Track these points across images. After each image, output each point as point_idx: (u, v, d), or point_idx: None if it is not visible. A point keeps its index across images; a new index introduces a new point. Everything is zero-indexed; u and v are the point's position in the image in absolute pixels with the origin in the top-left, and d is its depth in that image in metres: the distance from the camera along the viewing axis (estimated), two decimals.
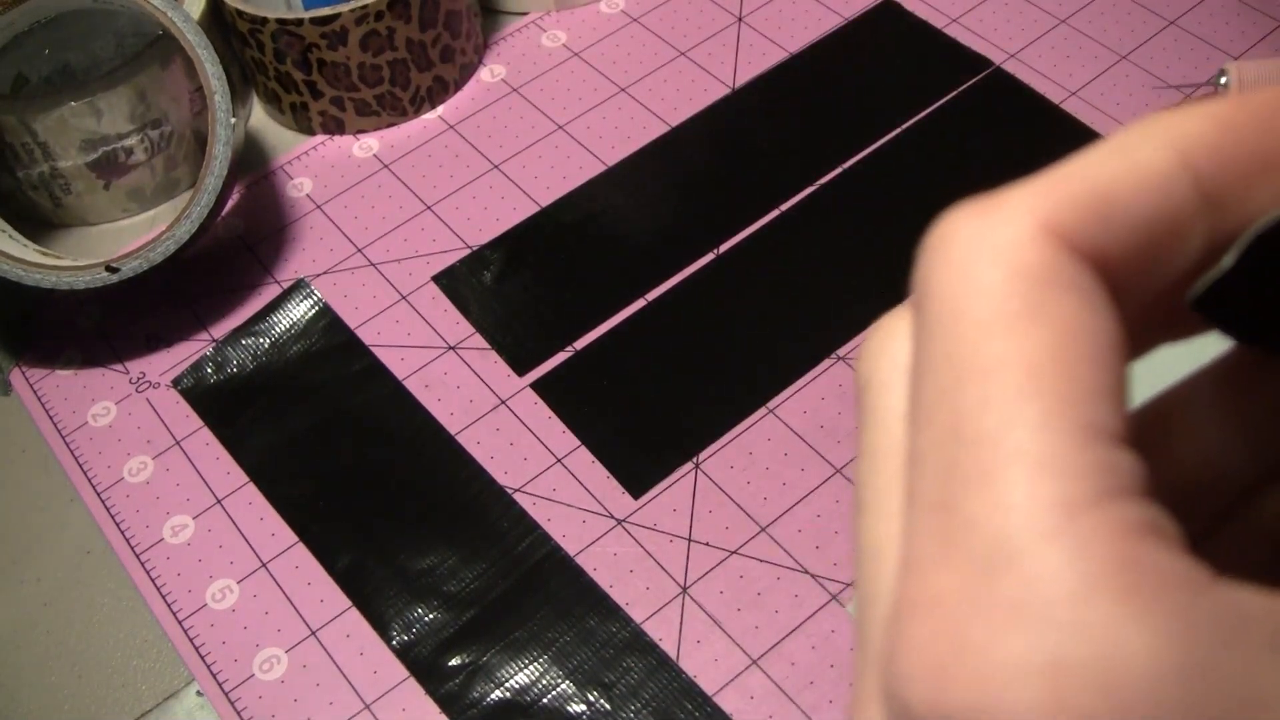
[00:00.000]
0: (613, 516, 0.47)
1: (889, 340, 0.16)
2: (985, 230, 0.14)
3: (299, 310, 0.54)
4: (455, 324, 0.53)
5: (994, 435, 0.13)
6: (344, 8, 0.56)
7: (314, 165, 0.60)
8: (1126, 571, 0.12)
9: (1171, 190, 0.14)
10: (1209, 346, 0.17)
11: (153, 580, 0.47)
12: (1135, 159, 0.14)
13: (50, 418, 0.52)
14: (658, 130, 0.59)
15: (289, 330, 0.54)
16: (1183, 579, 0.13)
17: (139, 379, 0.53)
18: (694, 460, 0.48)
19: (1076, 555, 0.12)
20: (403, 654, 0.44)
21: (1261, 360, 0.17)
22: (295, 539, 0.48)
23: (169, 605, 0.46)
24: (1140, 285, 0.15)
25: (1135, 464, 0.13)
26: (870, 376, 0.16)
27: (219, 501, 0.49)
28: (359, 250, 0.56)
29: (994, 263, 0.14)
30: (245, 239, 0.57)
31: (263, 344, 0.53)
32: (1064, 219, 0.14)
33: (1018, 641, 0.12)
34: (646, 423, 0.49)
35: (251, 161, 0.61)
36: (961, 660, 0.13)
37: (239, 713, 0.44)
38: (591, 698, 0.43)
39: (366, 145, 0.61)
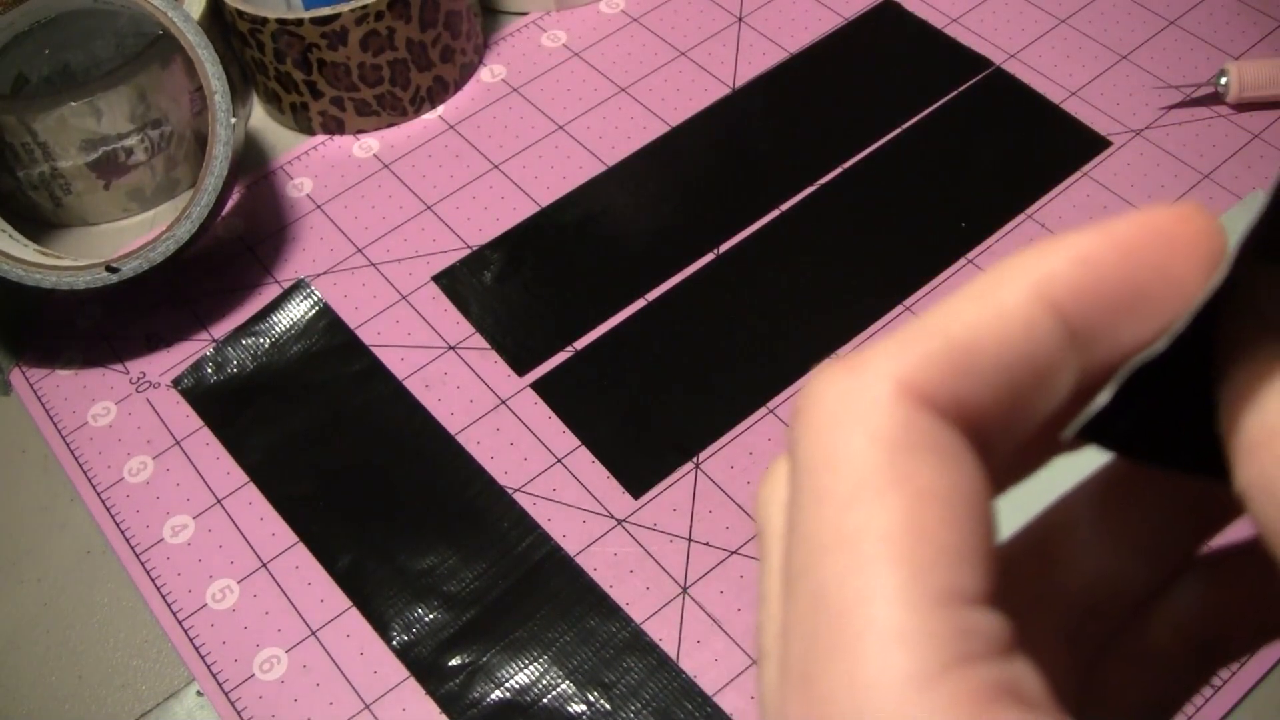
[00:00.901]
0: (613, 516, 0.47)
1: (777, 487, 0.16)
2: (847, 394, 0.14)
3: (299, 310, 0.54)
4: (455, 324, 0.53)
5: (851, 608, 0.13)
6: (344, 8, 0.56)
7: (314, 165, 0.60)
8: None
9: (1035, 334, 0.14)
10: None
11: (153, 580, 0.47)
12: (996, 305, 0.14)
13: (50, 418, 0.52)
14: (658, 130, 0.59)
15: (289, 330, 0.54)
16: None
17: (139, 379, 0.53)
18: (694, 460, 0.48)
19: None
20: (403, 654, 0.44)
21: (1142, 471, 0.17)
22: (295, 539, 0.48)
23: (169, 605, 0.46)
24: (1012, 428, 0.15)
25: (994, 623, 0.13)
26: (763, 524, 0.16)
27: (219, 501, 0.49)
28: (359, 250, 0.56)
29: (854, 429, 0.14)
30: (245, 239, 0.57)
31: (263, 344, 0.53)
32: (923, 377, 0.14)
33: None
34: (646, 423, 0.49)
35: (251, 161, 0.61)
36: None
37: (239, 713, 0.44)
38: (591, 698, 0.43)
39: (366, 145, 0.61)
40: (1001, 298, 0.14)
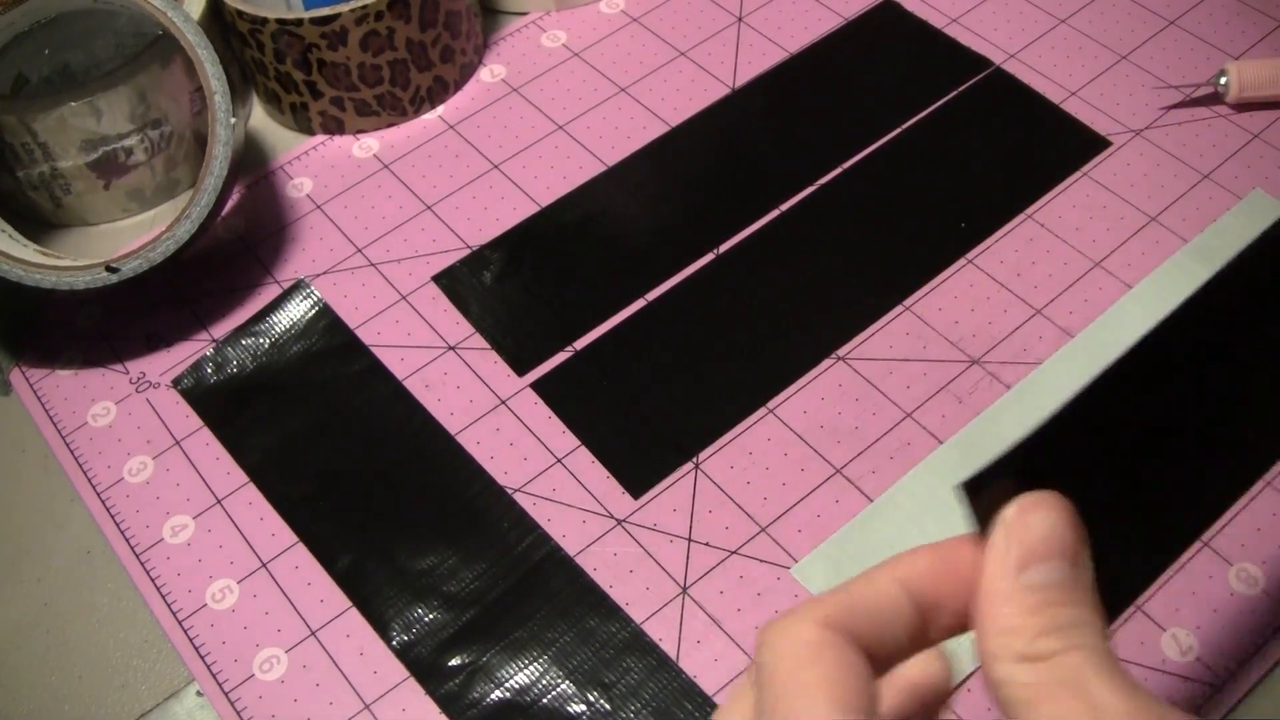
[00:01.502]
0: (613, 516, 0.47)
1: (737, 699, 0.26)
2: (789, 626, 0.24)
3: (299, 310, 0.54)
4: (455, 324, 0.53)
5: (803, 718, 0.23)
6: (344, 8, 0.56)
7: (314, 165, 0.60)
8: None
9: (895, 603, 0.24)
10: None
11: (153, 580, 0.47)
12: (875, 586, 0.24)
13: (50, 418, 0.52)
14: (658, 130, 0.59)
15: (289, 330, 0.54)
16: None
17: (139, 379, 0.53)
18: (694, 460, 0.48)
19: None
20: (403, 654, 0.44)
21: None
22: (295, 539, 0.48)
23: (169, 605, 0.46)
24: (882, 643, 0.25)
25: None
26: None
27: (219, 501, 0.49)
28: (359, 250, 0.56)
29: (794, 641, 0.24)
30: (245, 239, 0.57)
31: (263, 344, 0.53)
32: (829, 617, 0.24)
33: None
34: (646, 423, 0.49)
35: (251, 161, 0.61)
36: None
37: (239, 713, 0.44)
38: (591, 698, 0.43)
39: (366, 145, 0.61)
40: (878, 583, 0.25)
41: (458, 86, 0.62)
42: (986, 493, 0.25)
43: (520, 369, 0.52)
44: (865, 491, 0.47)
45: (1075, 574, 0.23)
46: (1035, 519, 0.23)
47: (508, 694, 0.43)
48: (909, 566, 0.24)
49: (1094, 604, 0.23)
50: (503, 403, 0.51)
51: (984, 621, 0.23)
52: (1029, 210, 0.55)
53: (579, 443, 0.49)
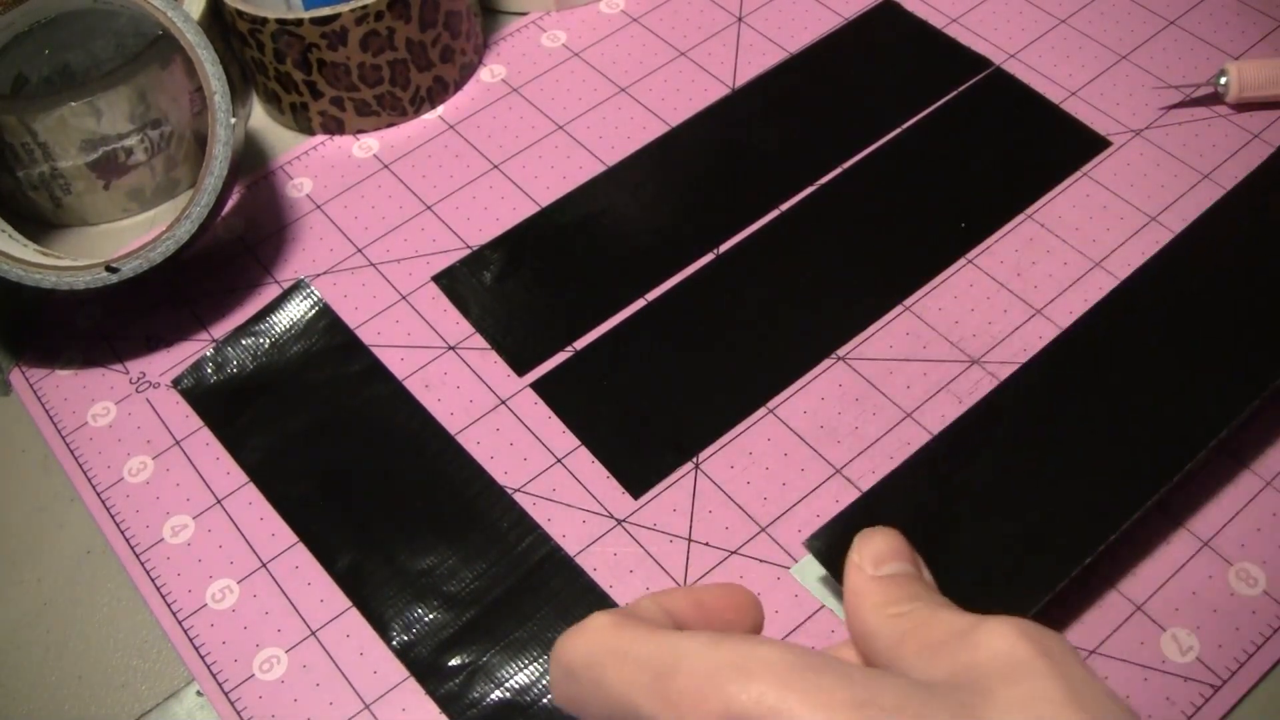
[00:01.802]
0: (613, 516, 0.47)
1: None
2: (591, 622, 0.29)
3: (299, 310, 0.54)
4: (455, 324, 0.53)
5: (622, 686, 0.27)
6: (344, 8, 0.56)
7: (314, 165, 0.60)
8: None
9: (656, 615, 0.30)
10: None
11: (153, 580, 0.47)
12: (648, 605, 0.30)
13: (50, 418, 0.52)
14: (658, 130, 0.59)
15: (289, 330, 0.54)
16: None
17: (139, 379, 0.53)
18: (694, 460, 0.48)
19: None
20: (403, 654, 0.44)
21: None
22: (295, 539, 0.48)
23: (169, 605, 0.46)
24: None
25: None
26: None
27: (219, 501, 0.49)
28: (359, 250, 0.56)
29: (595, 630, 0.29)
30: (245, 239, 0.57)
31: (263, 344, 0.53)
32: (623, 613, 0.29)
33: None
34: (646, 423, 0.49)
35: (251, 161, 0.61)
36: None
37: (239, 713, 0.44)
38: None
39: (366, 145, 0.61)
40: (650, 605, 0.30)
41: (458, 86, 0.62)
42: (833, 540, 0.41)
43: (520, 369, 0.52)
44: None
45: (916, 570, 0.31)
46: (877, 538, 0.31)
47: (508, 694, 0.43)
48: (669, 598, 0.33)
49: (935, 589, 0.30)
50: (503, 403, 0.51)
51: (855, 600, 0.30)
52: (1029, 210, 0.55)
53: (579, 443, 0.49)
